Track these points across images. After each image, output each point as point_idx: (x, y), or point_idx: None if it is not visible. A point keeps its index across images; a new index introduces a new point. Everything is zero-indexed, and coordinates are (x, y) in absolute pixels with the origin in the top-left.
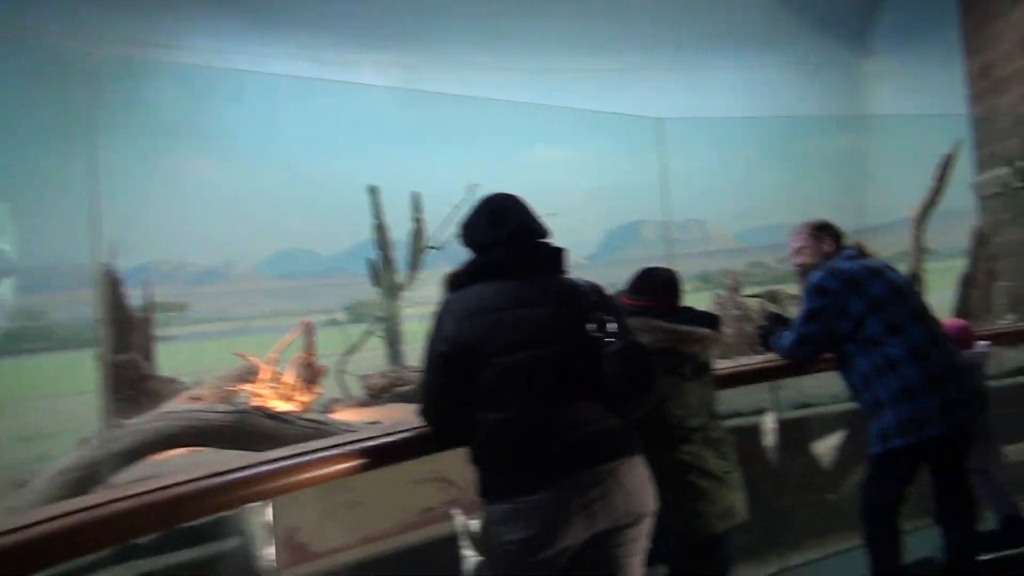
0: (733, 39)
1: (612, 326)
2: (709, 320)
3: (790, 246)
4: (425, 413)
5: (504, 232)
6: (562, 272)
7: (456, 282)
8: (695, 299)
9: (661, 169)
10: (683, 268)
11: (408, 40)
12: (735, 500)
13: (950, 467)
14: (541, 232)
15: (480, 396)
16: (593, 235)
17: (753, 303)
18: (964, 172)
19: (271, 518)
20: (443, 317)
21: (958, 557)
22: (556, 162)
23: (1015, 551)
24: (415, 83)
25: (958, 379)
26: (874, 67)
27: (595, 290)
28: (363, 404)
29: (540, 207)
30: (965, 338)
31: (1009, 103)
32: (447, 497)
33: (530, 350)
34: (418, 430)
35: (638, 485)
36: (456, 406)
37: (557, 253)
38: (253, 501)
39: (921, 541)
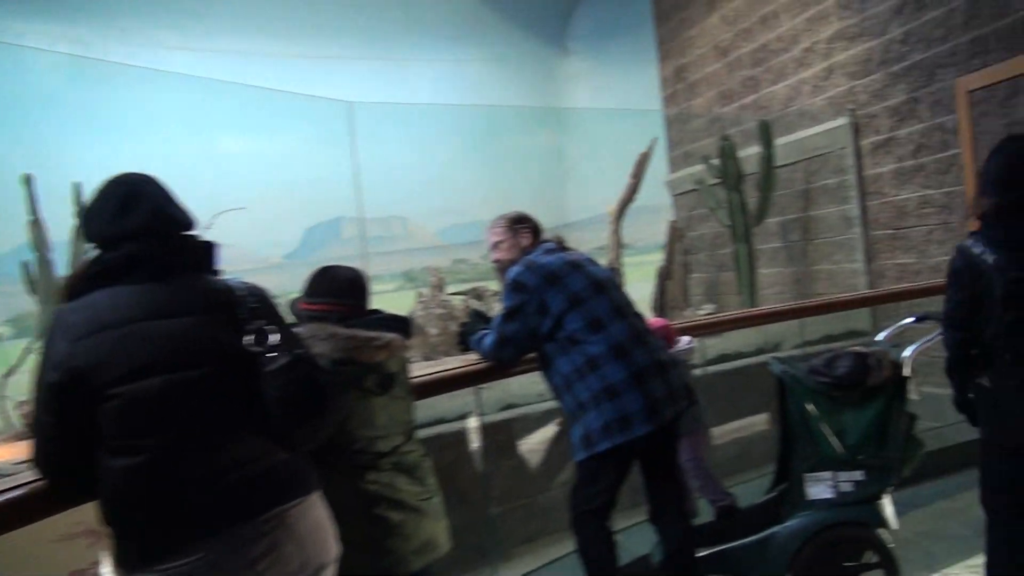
0: (432, 31)
1: (274, 338)
2: (398, 323)
3: (487, 241)
4: (37, 462)
5: (135, 222)
6: (212, 272)
7: (74, 288)
8: (400, 298)
9: (353, 157)
10: (387, 266)
11: (82, 11)
12: (435, 531)
13: (660, 465)
14: (185, 222)
15: (105, 437)
16: (291, 232)
17: (458, 301)
18: (660, 169)
19: None
20: (54, 336)
21: (675, 554)
22: (249, 152)
23: (733, 544)
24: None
25: (663, 375)
26: (572, 66)
27: (255, 294)
28: (21, 436)
29: (231, 200)
30: (667, 336)
31: (702, 105)
32: (100, 554)
33: (166, 374)
34: (32, 485)
35: (315, 529)
36: (73, 452)
37: (205, 248)
38: None
39: (637, 538)
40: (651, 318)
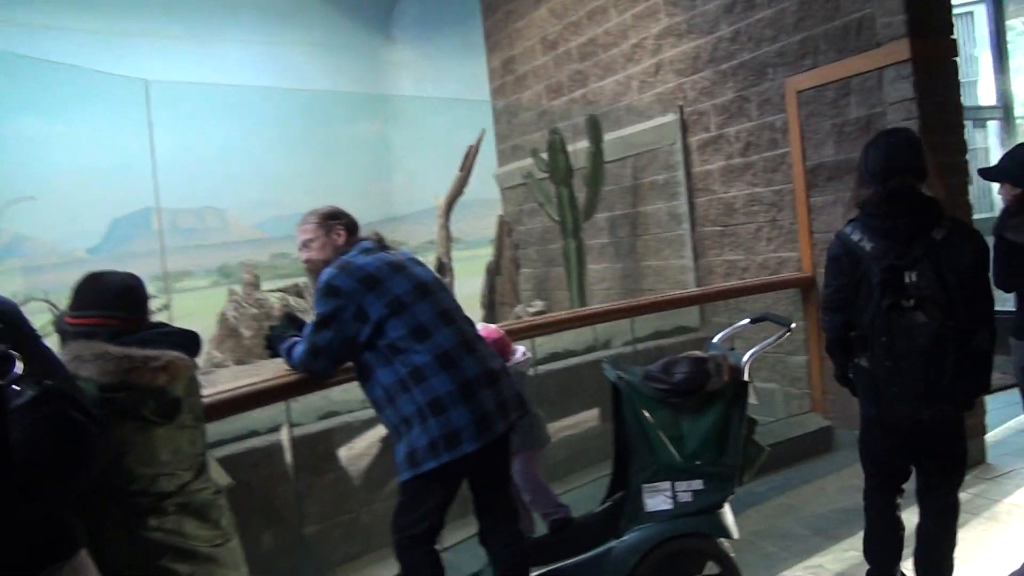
0: (246, 9)
1: (20, 366)
2: (183, 338)
3: (297, 239)
4: None
5: None
6: None
7: None
8: (214, 295)
9: (151, 141)
10: (201, 261)
11: None
12: None
13: (492, 482)
14: None
15: None
16: (96, 223)
17: (275, 299)
18: (489, 162)
19: None
20: None
21: (507, 574)
22: (44, 135)
23: (568, 561)
24: None
25: (494, 385)
26: (397, 55)
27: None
28: None
29: (25, 188)
30: (502, 348)
31: (531, 98)
32: None
33: None
34: None
35: None
36: None
37: None
38: None
39: (466, 555)
40: (486, 327)
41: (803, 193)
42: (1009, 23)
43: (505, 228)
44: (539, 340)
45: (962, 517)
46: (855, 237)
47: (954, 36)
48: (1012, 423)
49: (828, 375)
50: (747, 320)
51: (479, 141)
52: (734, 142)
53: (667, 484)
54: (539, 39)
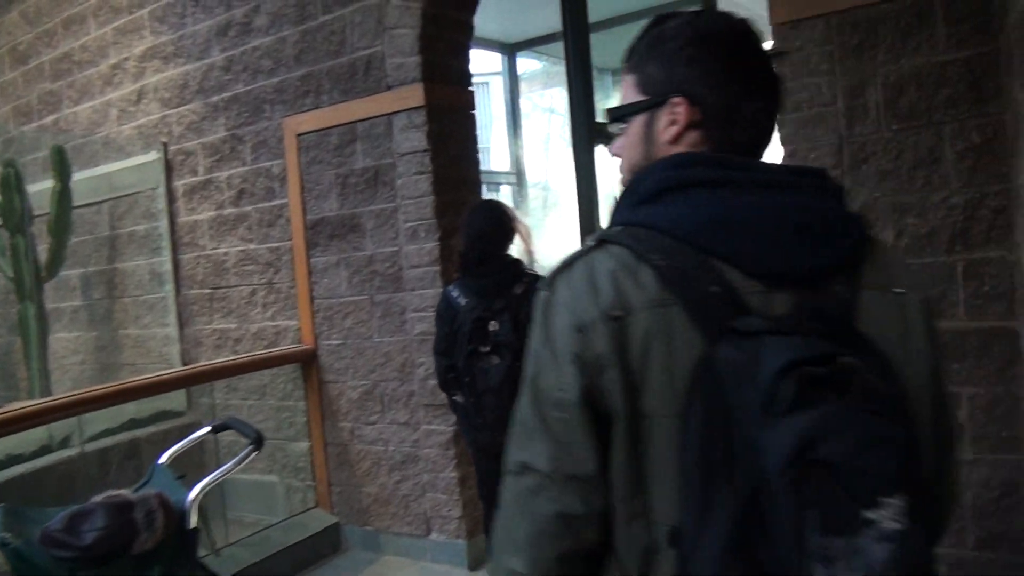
0: None
1: None
2: None
3: None
4: None
5: None
6: None
7: None
8: None
9: None
10: None
11: None
12: None
13: None
14: None
15: None
16: None
17: None
18: None
19: None
20: None
21: None
22: None
23: None
24: None
25: None
26: None
27: None
28: None
29: None
30: None
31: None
32: None
33: None
34: None
35: None
36: None
37: None
38: None
39: None
40: None
41: (303, 252)
42: (524, 98)
43: None
44: None
45: None
46: (454, 294)
47: (472, 88)
48: None
49: (333, 463)
50: (206, 429)
51: None
52: (226, 189)
53: None
54: (9, 48)
